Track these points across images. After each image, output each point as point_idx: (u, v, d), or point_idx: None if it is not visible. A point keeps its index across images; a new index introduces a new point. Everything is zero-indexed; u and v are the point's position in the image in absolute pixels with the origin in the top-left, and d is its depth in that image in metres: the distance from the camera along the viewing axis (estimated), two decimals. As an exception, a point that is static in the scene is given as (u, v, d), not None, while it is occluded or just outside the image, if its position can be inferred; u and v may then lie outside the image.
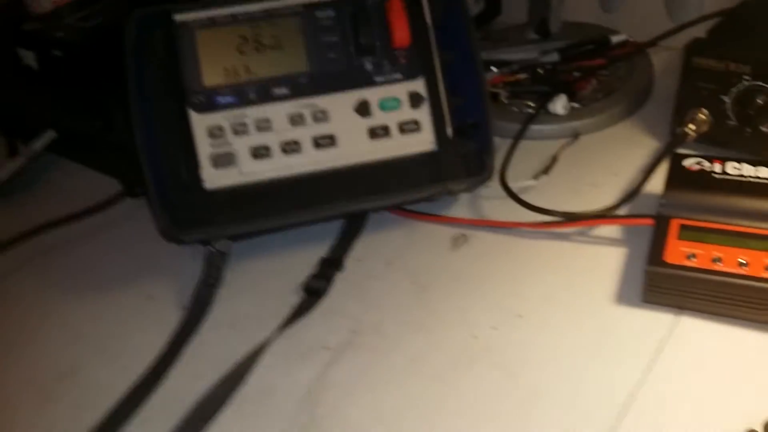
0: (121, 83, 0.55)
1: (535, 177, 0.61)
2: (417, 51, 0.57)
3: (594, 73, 0.70)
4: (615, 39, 0.72)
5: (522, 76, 0.70)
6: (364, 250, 0.58)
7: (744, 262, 0.46)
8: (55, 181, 0.72)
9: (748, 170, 0.51)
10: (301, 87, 0.56)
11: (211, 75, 0.55)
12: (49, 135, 0.70)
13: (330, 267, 0.56)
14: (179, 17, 0.55)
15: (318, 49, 0.56)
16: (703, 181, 0.51)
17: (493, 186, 0.60)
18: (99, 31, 0.67)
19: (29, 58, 0.69)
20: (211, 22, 0.56)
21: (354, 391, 0.47)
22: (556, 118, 0.66)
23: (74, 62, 0.66)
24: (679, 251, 0.48)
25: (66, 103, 0.69)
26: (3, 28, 0.77)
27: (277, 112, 0.55)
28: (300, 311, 0.52)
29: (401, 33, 0.56)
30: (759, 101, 0.56)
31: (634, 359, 0.46)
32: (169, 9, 0.56)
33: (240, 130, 0.55)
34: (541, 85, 0.68)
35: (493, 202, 0.60)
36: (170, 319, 0.54)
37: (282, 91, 0.56)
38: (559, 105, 0.66)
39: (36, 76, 0.70)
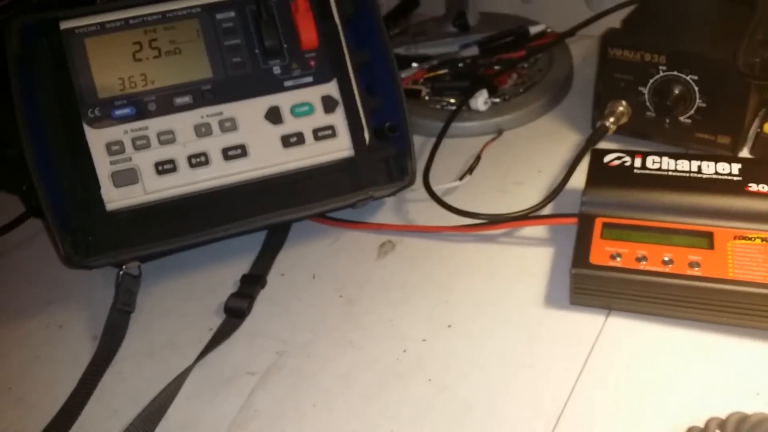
0: (11, 95, 0.50)
1: (460, 178, 0.59)
2: (327, 52, 0.55)
3: (514, 66, 0.69)
4: (533, 30, 0.71)
5: (442, 71, 0.69)
6: (288, 264, 0.55)
7: (668, 259, 0.46)
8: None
9: (667, 164, 0.51)
10: (205, 95, 0.53)
11: (105, 86, 0.52)
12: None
13: (252, 284, 0.53)
14: (65, 24, 0.51)
15: (221, 54, 0.53)
16: (624, 177, 0.51)
17: (418, 188, 0.58)
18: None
19: None
20: (102, 29, 0.52)
21: (281, 417, 0.45)
22: (478, 114, 0.65)
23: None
24: (603, 251, 0.47)
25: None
26: None
27: (181, 122, 0.52)
28: (221, 335, 0.50)
29: (308, 34, 0.54)
30: (676, 91, 0.56)
31: (565, 363, 0.45)
32: (54, 15, 0.51)
33: (141, 144, 0.51)
34: (462, 80, 0.67)
35: (418, 206, 0.58)
36: (82, 350, 0.51)
37: (185, 100, 0.52)
38: (481, 101, 0.64)
39: None
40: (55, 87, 0.51)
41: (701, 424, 0.39)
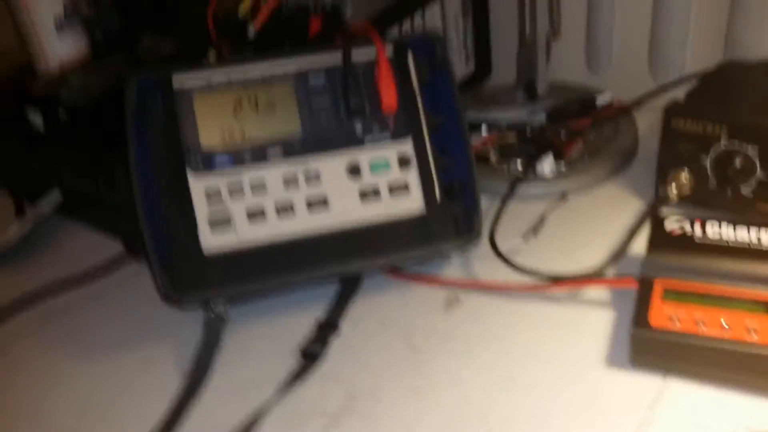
0: (123, 143, 0.57)
1: (524, 238, 0.62)
2: (405, 114, 0.59)
3: (580, 133, 0.72)
4: (600, 100, 0.74)
5: (511, 136, 0.72)
6: (359, 312, 0.59)
7: (726, 324, 0.48)
8: (59, 242, 0.73)
9: (727, 232, 0.53)
10: (294, 148, 0.58)
11: (208, 137, 0.57)
12: (55, 196, 0.72)
13: (326, 330, 0.57)
14: (177, 81, 0.58)
15: (310, 112, 0.59)
16: (684, 243, 0.53)
17: (484, 246, 0.61)
18: (102, 92, 0.69)
19: (36, 119, 0.72)
20: (208, 86, 0.58)
21: (350, 455, 0.48)
22: (543, 178, 0.68)
23: (78, 123, 0.68)
24: (663, 314, 0.49)
25: (70, 162, 0.71)
26: (12, 90, 0.80)
27: (272, 173, 0.57)
28: (297, 375, 0.53)
29: (389, 97, 0.59)
30: (737, 163, 0.58)
31: (624, 423, 0.47)
32: (168, 73, 0.58)
33: (236, 191, 0.57)
34: (529, 146, 0.70)
35: (484, 263, 0.62)
36: (171, 384, 0.55)
37: (276, 152, 0.58)
38: (547, 166, 0.68)
39: (42, 136, 0.72)
40: (165, 137, 0.57)
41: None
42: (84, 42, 0.81)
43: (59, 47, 0.78)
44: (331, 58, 0.59)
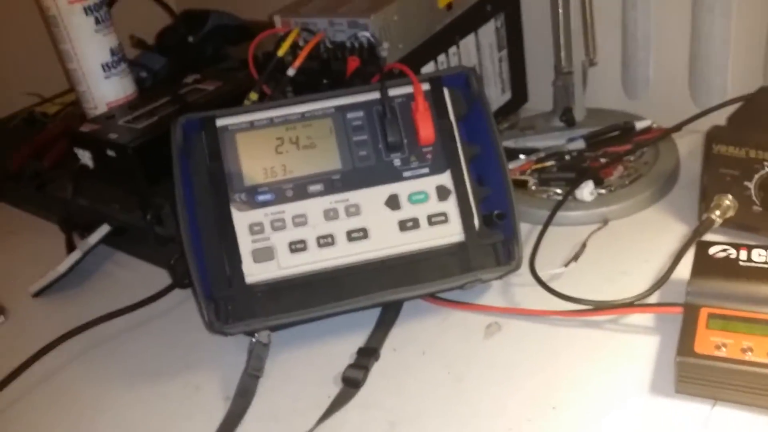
0: (169, 180, 0.59)
1: (565, 264, 0.62)
2: (442, 146, 0.60)
3: (620, 159, 0.72)
4: (639, 125, 0.74)
5: (549, 163, 0.73)
6: (399, 340, 0.59)
7: (774, 351, 0.47)
8: (108, 272, 0.76)
9: (773, 256, 0.52)
10: (334, 183, 0.59)
11: (252, 174, 0.59)
12: (103, 229, 0.74)
13: (367, 357, 0.57)
14: (220, 121, 0.60)
15: (349, 148, 0.60)
16: (729, 269, 0.52)
17: (524, 273, 0.61)
18: (149, 131, 0.72)
19: (85, 157, 0.75)
20: (251, 125, 0.60)
21: (391, 484, 0.48)
22: (583, 204, 0.68)
23: (126, 160, 0.70)
24: (708, 341, 0.48)
25: (119, 198, 0.74)
26: (63, 132, 0.84)
27: (313, 207, 0.59)
28: (339, 402, 0.54)
29: (426, 131, 0.60)
30: (782, 187, 0.57)
31: (670, 451, 0.46)
32: (212, 114, 0.60)
33: (278, 225, 0.58)
34: (568, 172, 0.70)
35: (524, 289, 0.61)
36: (216, 410, 0.56)
37: (317, 187, 0.59)
38: (586, 191, 0.67)
39: (91, 173, 0.75)
40: (209, 174, 0.59)
41: None
42: (130, 84, 0.85)
43: (107, 90, 0.82)
44: (369, 95, 0.61)
